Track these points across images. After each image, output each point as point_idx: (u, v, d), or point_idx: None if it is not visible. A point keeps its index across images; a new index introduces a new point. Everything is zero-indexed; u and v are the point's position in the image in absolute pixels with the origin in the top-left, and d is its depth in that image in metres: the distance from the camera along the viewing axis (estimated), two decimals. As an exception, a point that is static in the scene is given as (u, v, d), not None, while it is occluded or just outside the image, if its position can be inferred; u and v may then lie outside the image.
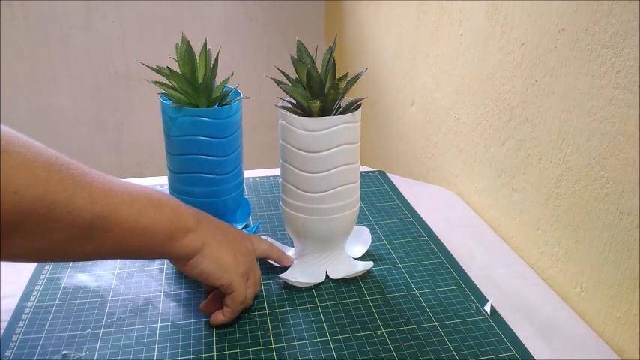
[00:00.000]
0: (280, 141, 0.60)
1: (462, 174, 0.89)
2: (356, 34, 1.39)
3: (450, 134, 0.91)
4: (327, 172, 0.58)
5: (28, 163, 0.39)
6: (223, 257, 0.53)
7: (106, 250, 0.46)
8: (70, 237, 0.43)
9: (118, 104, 1.66)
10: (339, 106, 0.60)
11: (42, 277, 0.63)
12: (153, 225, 0.47)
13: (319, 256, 0.64)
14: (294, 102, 0.60)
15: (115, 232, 0.45)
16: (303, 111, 0.59)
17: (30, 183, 0.39)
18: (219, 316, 0.55)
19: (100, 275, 0.64)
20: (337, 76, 0.57)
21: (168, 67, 0.61)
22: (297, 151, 0.58)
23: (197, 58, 0.63)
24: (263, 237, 0.69)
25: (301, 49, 0.58)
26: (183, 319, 0.57)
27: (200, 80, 0.63)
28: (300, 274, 0.63)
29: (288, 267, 0.64)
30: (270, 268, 0.65)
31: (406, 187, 0.88)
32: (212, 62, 0.64)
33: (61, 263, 0.66)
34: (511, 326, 0.57)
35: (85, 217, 0.42)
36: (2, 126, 0.39)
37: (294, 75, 0.59)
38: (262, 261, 0.66)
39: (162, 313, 0.58)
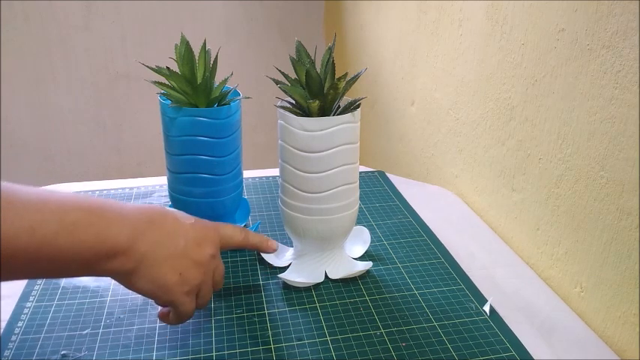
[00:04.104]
0: (279, 141, 0.60)
1: (462, 174, 0.89)
2: (356, 34, 1.39)
3: (450, 134, 0.91)
4: (326, 172, 0.58)
5: None
6: (164, 277, 0.48)
7: (15, 276, 0.43)
8: None
9: (117, 104, 1.66)
10: (339, 106, 0.60)
11: (41, 277, 0.63)
12: (62, 252, 0.43)
13: (318, 257, 0.64)
14: (294, 102, 0.60)
15: (18, 259, 0.41)
16: (302, 111, 0.59)
17: None
18: (166, 318, 0.52)
19: (100, 275, 0.64)
20: (337, 76, 0.56)
21: (167, 67, 0.61)
22: (297, 151, 0.58)
23: (196, 58, 0.63)
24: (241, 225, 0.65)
25: (300, 49, 0.58)
26: (182, 319, 0.57)
27: (199, 80, 0.63)
28: (299, 275, 0.63)
29: (274, 252, 0.60)
30: (270, 267, 0.65)
31: (406, 187, 0.88)
32: (211, 62, 0.64)
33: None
34: (511, 326, 0.57)
35: None
36: None
37: (293, 75, 0.59)
38: (261, 260, 0.66)
39: (161, 314, 0.58)
